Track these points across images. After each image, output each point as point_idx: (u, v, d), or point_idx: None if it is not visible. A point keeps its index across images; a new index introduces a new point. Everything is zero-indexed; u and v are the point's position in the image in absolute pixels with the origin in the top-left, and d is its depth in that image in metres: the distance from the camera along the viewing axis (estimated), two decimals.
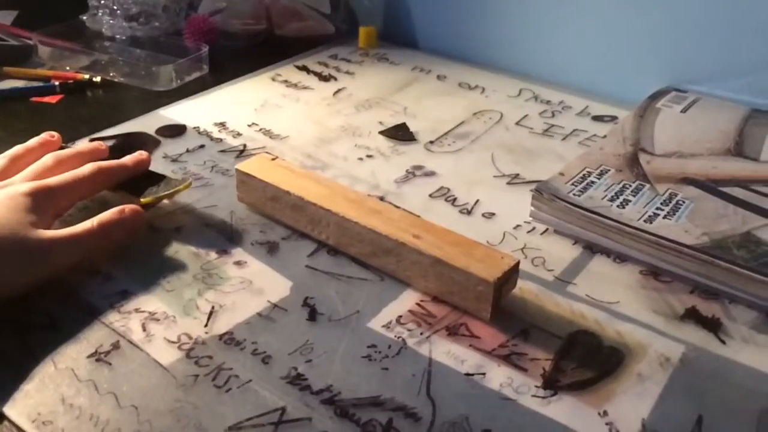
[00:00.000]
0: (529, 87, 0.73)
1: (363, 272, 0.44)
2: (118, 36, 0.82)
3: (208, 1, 0.84)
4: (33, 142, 0.50)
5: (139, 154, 0.50)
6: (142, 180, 0.49)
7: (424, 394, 0.36)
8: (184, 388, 0.35)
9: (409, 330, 0.40)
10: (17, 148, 0.49)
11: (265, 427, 0.33)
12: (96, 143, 0.52)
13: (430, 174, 0.56)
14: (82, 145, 0.52)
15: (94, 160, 0.49)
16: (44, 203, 0.43)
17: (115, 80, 0.72)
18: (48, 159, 0.47)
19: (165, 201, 0.50)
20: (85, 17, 0.84)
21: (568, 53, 0.74)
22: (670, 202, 0.48)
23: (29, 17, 0.85)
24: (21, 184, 0.43)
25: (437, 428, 0.34)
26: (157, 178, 0.50)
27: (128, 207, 0.44)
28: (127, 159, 0.49)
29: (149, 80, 0.70)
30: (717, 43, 0.65)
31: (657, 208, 0.47)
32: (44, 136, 0.51)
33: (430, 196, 0.53)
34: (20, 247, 0.39)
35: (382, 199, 0.52)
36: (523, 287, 0.43)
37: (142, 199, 0.48)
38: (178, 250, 0.46)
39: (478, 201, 0.53)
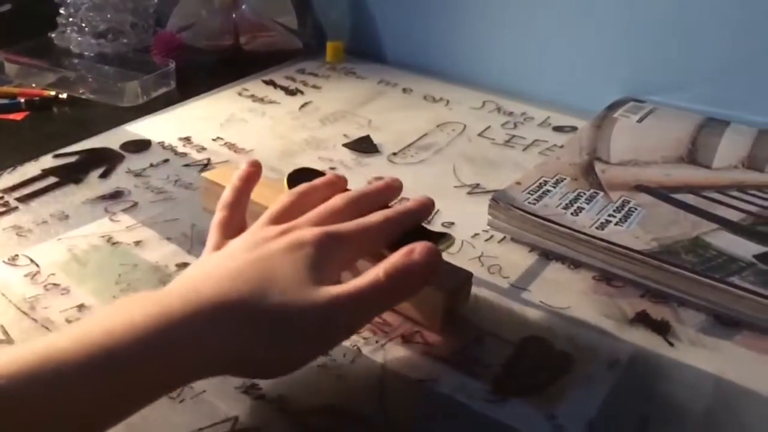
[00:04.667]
0: (493, 99, 0.74)
1: None
2: (86, 53, 0.82)
3: (176, 18, 0.84)
4: (320, 181, 0.42)
5: (425, 199, 0.41)
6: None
7: (377, 401, 0.36)
8: None
9: (364, 338, 0.40)
10: (304, 186, 0.41)
11: None
12: (389, 179, 0.43)
13: None
14: (375, 184, 0.43)
15: (387, 202, 0.42)
16: (331, 254, 0.35)
17: (83, 97, 0.72)
18: (337, 201, 0.39)
19: None
20: (53, 35, 0.84)
21: (532, 66, 0.75)
22: (623, 209, 0.49)
23: None
24: (306, 229, 0.36)
25: None
26: (418, 233, 0.40)
27: (419, 246, 0.35)
28: (412, 204, 0.40)
29: (115, 96, 0.71)
30: (673, 54, 0.67)
31: (609, 215, 0.48)
32: (331, 176, 0.43)
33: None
34: (305, 314, 0.32)
35: None
36: (478, 295, 0.44)
37: None
38: (137, 263, 0.46)
39: (438, 211, 0.53)
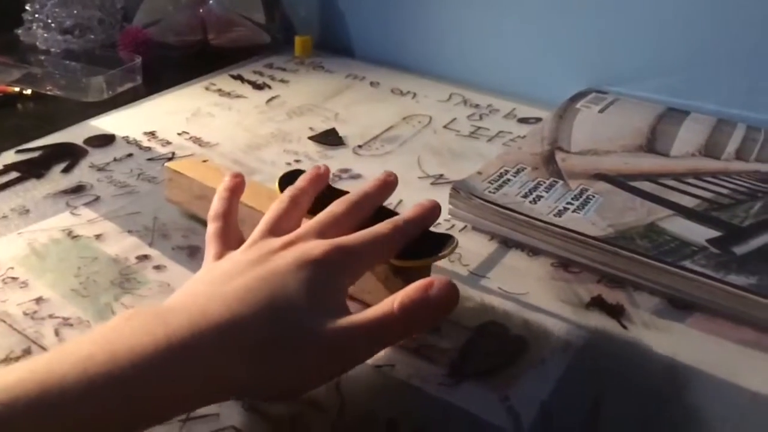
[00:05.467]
0: (460, 92, 0.74)
1: None
2: (53, 49, 0.82)
3: (142, 14, 0.84)
4: (304, 180, 0.41)
5: (432, 204, 0.40)
6: None
7: (333, 387, 0.36)
8: None
9: None
10: (292, 190, 0.40)
11: (172, 424, 0.34)
12: (384, 175, 0.42)
13: (356, 177, 0.57)
14: (373, 182, 0.41)
15: (385, 199, 0.41)
16: (341, 270, 0.34)
17: (49, 93, 0.72)
18: (339, 207, 0.38)
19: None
20: (19, 31, 0.84)
21: (498, 59, 0.76)
22: (581, 196, 0.49)
23: None
24: (313, 242, 0.35)
25: (344, 420, 0.34)
26: (423, 236, 0.39)
27: (438, 282, 0.33)
28: (420, 211, 0.39)
29: (80, 92, 0.70)
30: (636, 46, 0.68)
31: (567, 203, 0.49)
32: (312, 171, 0.42)
33: None
34: (315, 346, 0.31)
35: None
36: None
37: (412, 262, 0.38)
38: (97, 256, 0.46)
39: (401, 201, 0.54)
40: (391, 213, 0.40)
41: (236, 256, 0.35)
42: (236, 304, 0.31)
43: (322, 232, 0.36)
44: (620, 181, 0.52)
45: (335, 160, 0.60)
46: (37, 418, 0.25)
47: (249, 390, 0.32)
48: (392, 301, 0.33)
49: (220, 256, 0.37)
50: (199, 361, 0.29)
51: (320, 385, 0.34)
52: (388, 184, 0.42)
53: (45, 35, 0.83)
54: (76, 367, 0.27)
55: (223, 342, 0.30)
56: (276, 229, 0.37)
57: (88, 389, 0.26)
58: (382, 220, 0.38)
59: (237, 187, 0.42)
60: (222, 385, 0.30)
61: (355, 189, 0.41)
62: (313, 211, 0.39)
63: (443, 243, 0.39)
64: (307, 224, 0.37)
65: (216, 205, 0.40)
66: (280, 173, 0.57)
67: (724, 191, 0.51)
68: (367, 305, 0.35)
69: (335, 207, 0.38)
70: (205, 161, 0.51)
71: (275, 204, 0.39)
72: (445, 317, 0.36)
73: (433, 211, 0.39)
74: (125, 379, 0.27)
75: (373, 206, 0.40)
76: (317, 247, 0.34)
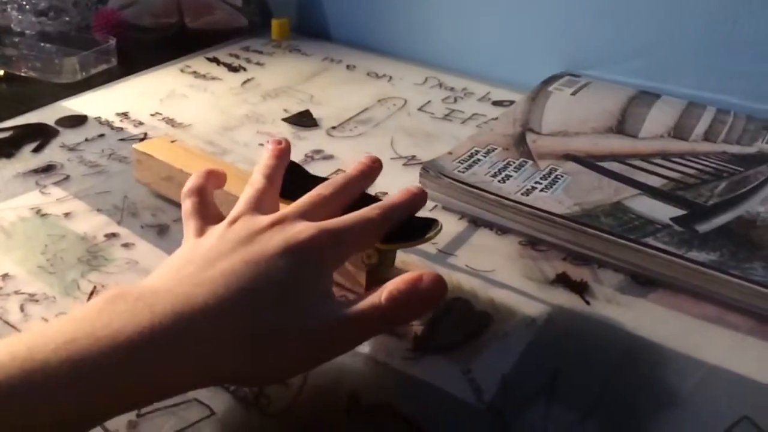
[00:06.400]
0: (436, 75, 0.75)
1: None
2: (27, 31, 0.81)
3: None
4: (271, 158, 0.40)
5: (417, 189, 0.39)
6: None
7: None
8: None
9: None
10: (267, 167, 0.39)
11: None
12: (368, 159, 0.41)
13: (329, 157, 0.57)
14: (357, 166, 0.40)
15: (371, 184, 0.40)
16: (329, 254, 0.34)
17: (23, 75, 0.71)
18: (325, 189, 0.37)
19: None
20: None
21: (473, 42, 0.76)
22: (549, 176, 0.50)
23: None
24: (301, 224, 0.34)
25: (305, 394, 0.35)
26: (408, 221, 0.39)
27: (427, 275, 0.33)
28: (406, 196, 0.39)
29: (54, 73, 0.70)
30: (609, 30, 0.68)
31: (536, 183, 0.49)
32: (273, 145, 0.40)
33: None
34: (302, 335, 0.31)
35: None
36: (406, 260, 0.44)
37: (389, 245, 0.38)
38: (65, 234, 0.46)
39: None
40: (375, 199, 0.40)
41: (220, 232, 0.34)
42: (222, 289, 0.30)
43: (309, 214, 0.35)
44: (589, 161, 0.52)
45: (309, 141, 0.60)
46: (21, 404, 0.25)
47: (234, 378, 0.32)
48: (381, 294, 0.32)
49: (201, 232, 0.35)
50: (183, 350, 0.28)
51: (305, 372, 0.34)
52: (374, 168, 0.41)
53: (19, 17, 0.82)
54: (58, 353, 0.26)
55: (208, 331, 0.29)
56: (258, 206, 0.36)
57: (72, 375, 0.26)
58: (365, 205, 0.37)
59: (216, 173, 0.41)
60: (206, 374, 0.30)
61: (330, 172, 0.40)
62: (287, 195, 0.39)
63: (429, 226, 0.38)
64: (294, 205, 0.36)
65: (191, 181, 0.39)
66: (253, 154, 0.57)
67: (691, 171, 0.51)
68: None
69: (322, 189, 0.37)
70: (173, 141, 0.51)
71: (253, 182, 0.38)
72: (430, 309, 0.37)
73: (419, 196, 0.39)
74: (109, 365, 0.26)
75: (360, 190, 0.39)
76: (305, 230, 0.33)
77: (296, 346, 0.31)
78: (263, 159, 0.40)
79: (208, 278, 0.31)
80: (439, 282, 0.33)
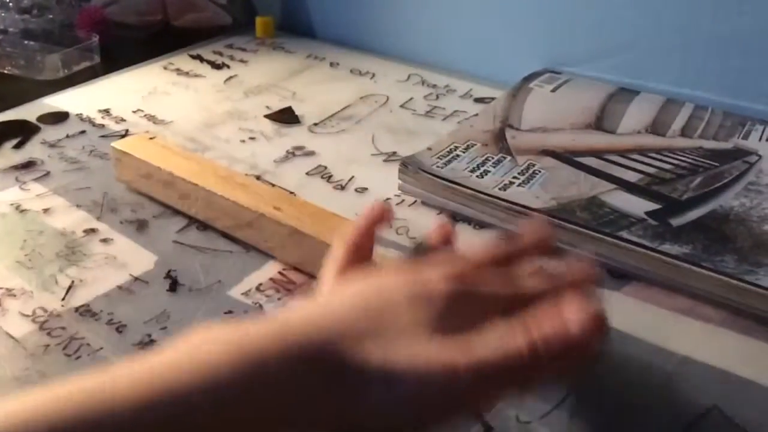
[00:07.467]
0: (418, 72, 0.75)
1: (230, 245, 0.46)
2: (11, 29, 0.81)
3: None
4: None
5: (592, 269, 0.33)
6: None
7: None
8: (33, 357, 0.36)
9: (267, 296, 0.41)
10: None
11: None
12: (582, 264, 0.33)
13: (310, 154, 0.58)
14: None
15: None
16: (461, 311, 0.27)
17: (6, 72, 0.71)
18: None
19: None
20: None
21: (455, 40, 0.77)
22: (527, 171, 0.50)
23: None
24: (438, 278, 0.28)
25: None
26: None
27: (578, 313, 0.26)
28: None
29: (36, 70, 0.70)
30: (589, 27, 0.69)
31: (513, 178, 0.49)
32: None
33: (307, 173, 0.55)
34: (417, 379, 0.25)
35: (258, 178, 0.53)
36: (384, 254, 0.45)
37: None
38: (44, 230, 0.46)
39: (353, 177, 0.54)
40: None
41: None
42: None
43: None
44: (566, 157, 0.53)
45: (290, 138, 0.60)
46: None
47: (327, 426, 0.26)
48: (519, 338, 0.26)
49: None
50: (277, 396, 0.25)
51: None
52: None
53: (2, 14, 0.82)
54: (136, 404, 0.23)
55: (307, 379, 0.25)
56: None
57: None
58: None
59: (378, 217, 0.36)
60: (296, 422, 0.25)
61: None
62: None
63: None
64: (435, 265, 0.30)
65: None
66: (233, 151, 0.57)
67: (667, 167, 0.52)
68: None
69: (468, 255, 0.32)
70: (152, 138, 0.51)
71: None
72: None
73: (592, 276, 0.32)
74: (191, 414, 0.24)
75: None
76: (442, 279, 0.28)
77: (413, 394, 0.25)
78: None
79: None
80: (601, 323, 0.27)
